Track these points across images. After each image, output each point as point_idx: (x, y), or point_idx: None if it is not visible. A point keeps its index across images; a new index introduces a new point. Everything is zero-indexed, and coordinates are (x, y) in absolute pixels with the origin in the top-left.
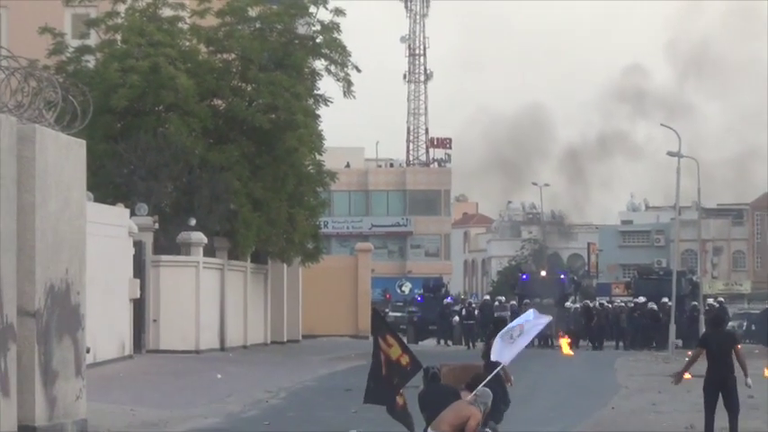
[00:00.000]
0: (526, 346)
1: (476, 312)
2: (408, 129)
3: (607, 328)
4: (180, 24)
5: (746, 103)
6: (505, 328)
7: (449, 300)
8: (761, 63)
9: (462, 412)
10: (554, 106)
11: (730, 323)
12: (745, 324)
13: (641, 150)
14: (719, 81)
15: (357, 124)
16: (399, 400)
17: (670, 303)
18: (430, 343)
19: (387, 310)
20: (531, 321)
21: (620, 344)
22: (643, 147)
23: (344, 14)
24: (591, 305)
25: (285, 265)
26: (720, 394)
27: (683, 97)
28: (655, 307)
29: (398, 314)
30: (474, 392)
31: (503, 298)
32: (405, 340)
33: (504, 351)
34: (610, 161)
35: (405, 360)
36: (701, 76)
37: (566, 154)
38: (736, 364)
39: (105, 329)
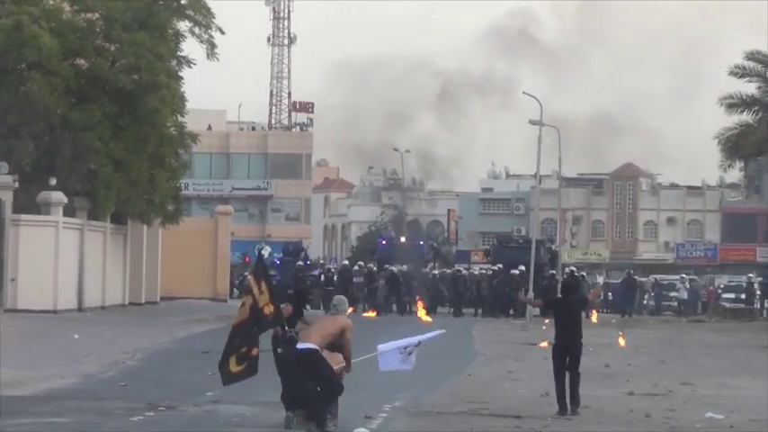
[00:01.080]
0: (385, 313)
1: (334, 278)
2: (271, 92)
3: (467, 294)
4: None
5: (624, 71)
6: (402, 343)
7: (305, 263)
8: (648, 27)
9: (335, 323)
10: (436, 59)
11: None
12: (602, 293)
13: (513, 108)
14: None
15: (220, 87)
16: (246, 349)
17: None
18: (287, 307)
19: (245, 274)
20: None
21: (480, 311)
22: (515, 106)
23: None
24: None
25: (145, 227)
26: (567, 359)
27: (564, 55)
28: (516, 272)
29: None
30: (332, 302)
31: (362, 263)
32: None
33: (392, 361)
34: (481, 118)
35: (269, 310)
36: (584, 33)
37: (439, 99)
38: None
39: None
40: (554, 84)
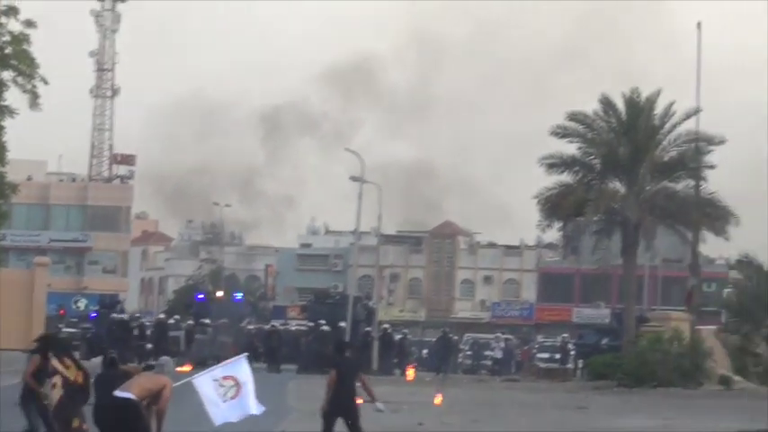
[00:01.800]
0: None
1: (148, 332)
2: (92, 144)
3: (282, 350)
4: None
5: (461, 123)
6: (216, 374)
7: (122, 316)
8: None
9: (156, 379)
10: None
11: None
12: (416, 352)
13: (340, 159)
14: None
15: (42, 137)
16: (75, 422)
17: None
18: (34, 359)
19: (61, 326)
20: (239, 368)
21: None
22: (342, 157)
23: (36, 27)
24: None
25: None
26: (344, 420)
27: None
28: (328, 329)
29: (73, 330)
30: (158, 362)
31: (178, 317)
32: (77, 356)
33: (221, 410)
34: (310, 166)
35: (80, 378)
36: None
37: (267, 143)
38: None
39: None
40: (382, 132)
